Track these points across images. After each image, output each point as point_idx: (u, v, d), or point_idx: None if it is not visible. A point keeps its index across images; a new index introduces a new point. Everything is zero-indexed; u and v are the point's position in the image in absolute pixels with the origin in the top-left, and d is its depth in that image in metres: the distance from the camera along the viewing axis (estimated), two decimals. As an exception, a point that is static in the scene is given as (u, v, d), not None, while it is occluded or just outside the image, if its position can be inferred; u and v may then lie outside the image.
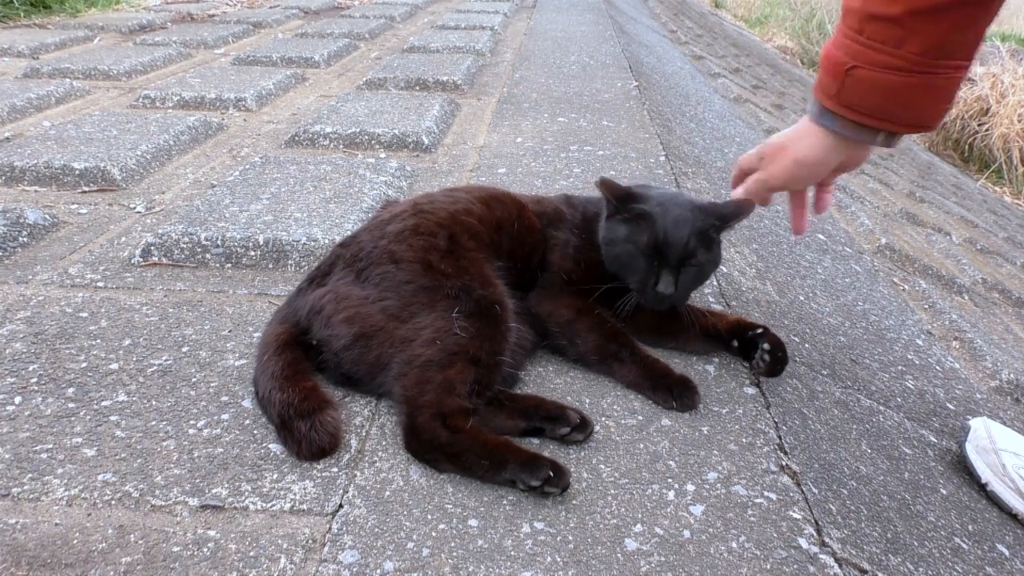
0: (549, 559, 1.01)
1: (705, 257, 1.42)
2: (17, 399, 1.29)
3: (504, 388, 1.28)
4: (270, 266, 1.83)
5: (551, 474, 1.08)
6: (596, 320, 1.43)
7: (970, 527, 1.33)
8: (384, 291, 1.31)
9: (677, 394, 1.32)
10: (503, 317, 1.31)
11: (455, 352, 1.23)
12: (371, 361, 1.27)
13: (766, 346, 1.39)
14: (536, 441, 1.23)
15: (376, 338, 1.27)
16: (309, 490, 1.11)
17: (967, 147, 7.47)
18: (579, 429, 1.21)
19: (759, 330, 1.42)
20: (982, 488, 1.48)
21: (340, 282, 1.35)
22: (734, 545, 1.04)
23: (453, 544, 1.02)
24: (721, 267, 1.88)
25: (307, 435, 1.17)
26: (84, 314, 1.57)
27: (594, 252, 1.50)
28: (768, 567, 1.01)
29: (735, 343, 1.44)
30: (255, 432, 1.22)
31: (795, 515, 1.10)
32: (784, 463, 1.20)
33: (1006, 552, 1.31)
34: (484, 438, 1.15)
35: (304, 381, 1.26)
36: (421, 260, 1.33)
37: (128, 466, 1.15)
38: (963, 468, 1.54)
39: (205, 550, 1.01)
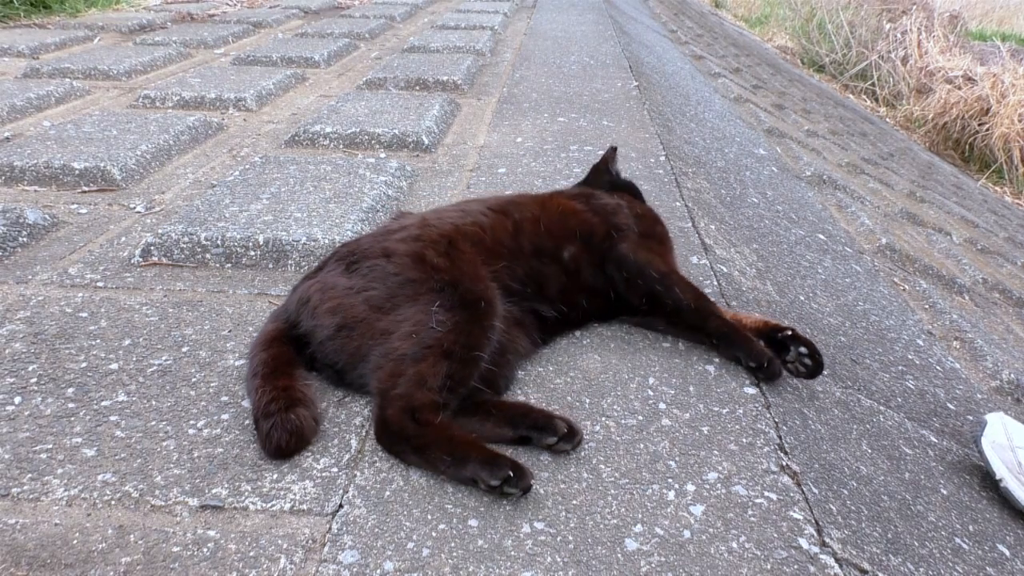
0: (549, 559, 1.00)
1: None
2: (17, 399, 1.29)
3: (493, 395, 1.28)
4: (270, 266, 1.83)
5: (511, 474, 1.08)
6: (687, 280, 1.52)
7: (971, 527, 1.33)
8: (370, 282, 1.31)
9: (768, 360, 1.39)
10: (487, 314, 1.31)
11: (429, 346, 1.23)
12: (351, 351, 1.28)
13: (803, 350, 1.42)
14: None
15: (357, 329, 1.27)
16: (309, 490, 1.11)
17: (967, 147, 7.47)
18: (566, 439, 1.19)
19: (788, 332, 1.44)
20: (995, 484, 1.47)
21: (329, 273, 1.37)
22: (734, 545, 1.04)
23: (453, 544, 1.02)
24: (721, 267, 1.89)
25: (268, 434, 1.16)
26: (84, 314, 1.57)
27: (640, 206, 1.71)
28: (768, 567, 1.01)
29: (762, 343, 1.45)
30: (255, 432, 1.22)
31: (795, 515, 1.10)
32: (784, 463, 1.20)
33: (1007, 552, 1.31)
34: (450, 434, 1.15)
35: (280, 379, 1.25)
36: (413, 254, 1.34)
37: (128, 466, 1.15)
38: (964, 468, 1.53)
39: (205, 550, 1.01)
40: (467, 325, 1.27)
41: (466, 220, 1.48)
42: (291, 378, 1.27)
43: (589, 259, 1.53)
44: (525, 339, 1.43)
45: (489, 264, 1.41)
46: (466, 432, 1.17)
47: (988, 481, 1.49)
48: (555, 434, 1.19)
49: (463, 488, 1.12)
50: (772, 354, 1.41)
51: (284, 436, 1.16)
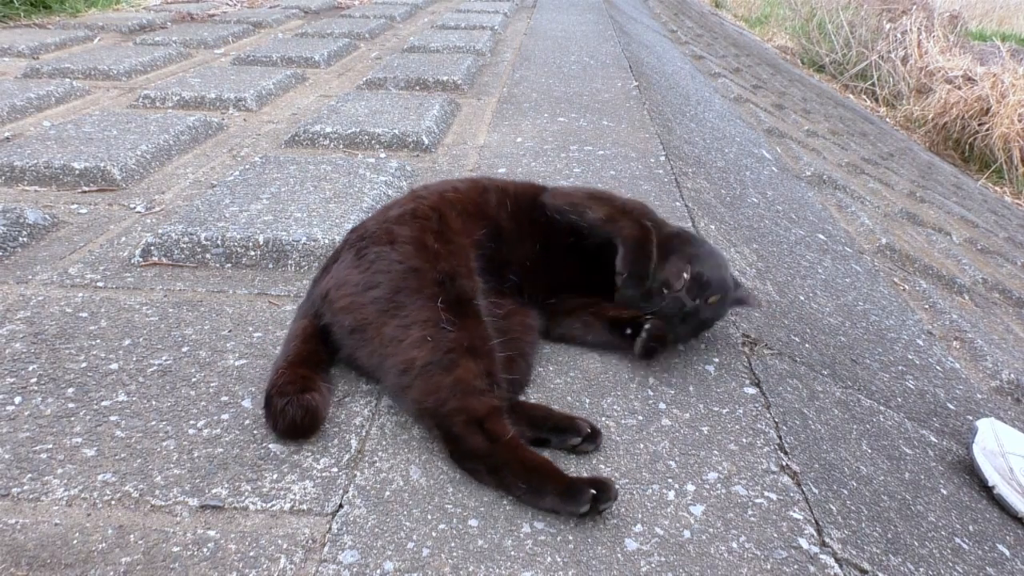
0: (549, 559, 1.00)
1: None
2: (17, 399, 1.29)
3: (513, 395, 1.28)
4: (270, 266, 1.83)
5: (595, 493, 1.05)
6: (607, 203, 1.58)
7: (971, 527, 1.33)
8: (374, 275, 1.33)
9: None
10: (479, 310, 1.33)
11: (452, 348, 1.22)
12: (367, 353, 1.31)
13: (648, 327, 1.40)
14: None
15: (368, 331, 1.30)
16: (309, 490, 1.11)
17: (967, 147, 7.46)
18: (589, 440, 1.20)
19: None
20: (988, 491, 1.48)
21: (342, 264, 1.40)
22: (734, 545, 1.04)
23: (453, 544, 1.02)
24: (721, 267, 1.88)
25: (282, 410, 1.18)
26: (84, 314, 1.57)
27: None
28: (768, 567, 1.01)
29: (628, 331, 1.44)
30: (255, 432, 1.22)
31: (795, 515, 1.10)
32: (784, 463, 1.20)
33: (1007, 552, 1.31)
34: (522, 455, 1.12)
35: (300, 368, 1.27)
36: (414, 240, 1.37)
37: (128, 466, 1.15)
38: (964, 468, 1.54)
39: (205, 550, 1.01)
40: (472, 319, 1.29)
41: (445, 187, 1.57)
42: (309, 370, 1.29)
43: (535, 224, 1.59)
44: (537, 312, 1.48)
45: (469, 230, 1.46)
46: (535, 453, 1.14)
47: (984, 487, 1.50)
48: (579, 434, 1.19)
49: (463, 488, 1.12)
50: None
51: (299, 412, 1.17)
